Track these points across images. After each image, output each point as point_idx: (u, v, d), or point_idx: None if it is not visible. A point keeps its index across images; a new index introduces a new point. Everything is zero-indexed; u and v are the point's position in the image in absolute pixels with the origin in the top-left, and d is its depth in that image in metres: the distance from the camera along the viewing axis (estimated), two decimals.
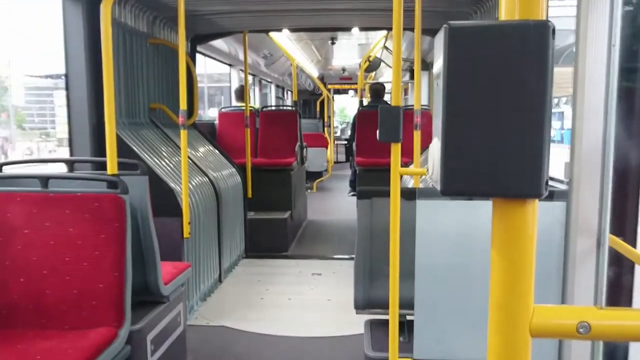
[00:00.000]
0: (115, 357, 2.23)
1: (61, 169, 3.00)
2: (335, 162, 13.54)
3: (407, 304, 2.07)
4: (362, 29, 6.03)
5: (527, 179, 0.65)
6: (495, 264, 0.70)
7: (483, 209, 2.02)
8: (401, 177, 2.11)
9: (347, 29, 6.01)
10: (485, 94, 0.65)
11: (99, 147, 3.61)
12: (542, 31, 0.64)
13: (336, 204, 8.90)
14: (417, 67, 2.96)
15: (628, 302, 1.96)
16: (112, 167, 2.56)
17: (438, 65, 0.70)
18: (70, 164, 2.88)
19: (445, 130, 0.67)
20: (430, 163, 0.73)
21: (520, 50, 0.64)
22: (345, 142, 14.97)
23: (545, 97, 0.64)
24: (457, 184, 0.68)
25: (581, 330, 0.68)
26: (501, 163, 0.66)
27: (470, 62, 0.65)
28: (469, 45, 0.65)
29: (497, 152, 0.65)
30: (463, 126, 0.66)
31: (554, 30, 0.64)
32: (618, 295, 1.98)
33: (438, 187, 0.69)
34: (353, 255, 5.51)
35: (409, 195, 2.28)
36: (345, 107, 25.78)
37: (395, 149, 2.04)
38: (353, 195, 8.83)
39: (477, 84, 0.65)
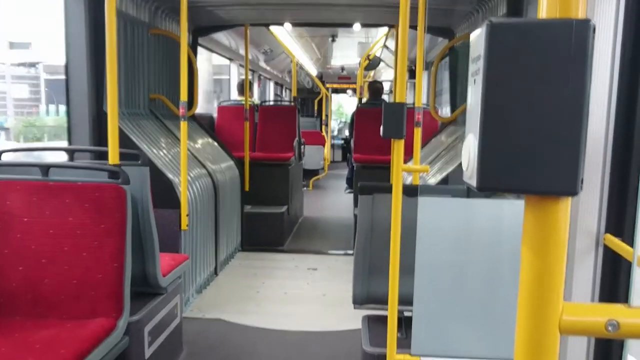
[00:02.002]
0: (114, 348, 2.23)
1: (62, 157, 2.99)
2: (331, 161, 13.54)
3: (405, 300, 2.08)
4: (364, 25, 6.03)
5: (562, 177, 0.66)
6: (526, 261, 0.70)
7: (484, 207, 2.03)
8: None
9: (349, 25, 6.01)
10: (524, 91, 0.65)
11: (98, 137, 3.60)
12: (583, 29, 0.64)
13: (332, 202, 8.91)
14: (419, 63, 2.96)
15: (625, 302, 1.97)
16: (113, 157, 2.55)
17: (476, 61, 0.70)
18: (71, 153, 2.87)
19: (484, 126, 0.67)
20: (464, 159, 0.73)
21: (561, 48, 0.64)
22: (342, 143, 14.98)
23: (583, 96, 0.64)
24: (493, 180, 0.68)
25: (610, 328, 0.69)
26: (537, 160, 0.66)
27: (510, 59, 0.66)
28: (509, 42, 0.66)
29: (533, 149, 0.66)
30: (501, 123, 0.67)
31: (594, 28, 0.64)
32: (615, 295, 1.99)
33: (473, 183, 0.69)
34: (348, 251, 5.52)
35: (410, 192, 2.28)
36: (342, 105, 25.69)
37: (398, 146, 2.04)
38: (350, 192, 8.84)
39: (516, 80, 0.66)
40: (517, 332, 0.71)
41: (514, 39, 0.65)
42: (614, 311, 0.70)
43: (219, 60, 9.01)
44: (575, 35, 0.64)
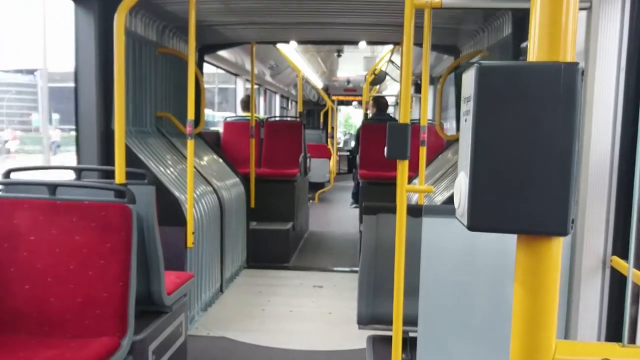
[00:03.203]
0: None
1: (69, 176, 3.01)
2: (337, 173, 13.55)
3: (410, 320, 2.07)
4: (370, 43, 6.06)
5: (552, 218, 0.66)
6: (519, 299, 0.70)
7: None
8: None
9: (355, 43, 6.04)
10: (514, 132, 0.66)
11: (106, 155, 3.62)
12: (571, 73, 0.65)
13: (338, 216, 8.90)
14: (424, 83, 2.97)
15: (633, 325, 1.96)
16: (120, 176, 2.57)
17: (467, 101, 0.71)
18: (78, 171, 2.89)
19: (474, 166, 0.68)
20: (456, 197, 0.73)
21: (550, 91, 0.65)
22: (348, 154, 14.98)
23: (572, 137, 0.65)
24: (484, 219, 0.69)
25: None
26: (528, 201, 0.66)
27: (499, 101, 0.66)
28: (498, 84, 0.66)
29: (523, 190, 0.66)
30: (491, 163, 0.67)
31: (582, 71, 0.65)
32: (622, 317, 1.97)
33: (464, 221, 0.70)
34: (354, 268, 5.50)
35: (415, 212, 2.28)
36: (350, 116, 25.71)
37: (402, 166, 2.04)
38: (355, 207, 8.83)
39: (506, 121, 0.66)
40: None
41: (504, 81, 0.66)
42: (607, 350, 0.70)
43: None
44: (564, 78, 0.65)
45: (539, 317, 0.69)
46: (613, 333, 1.90)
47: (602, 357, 0.69)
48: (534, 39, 0.68)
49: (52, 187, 2.40)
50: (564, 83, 0.65)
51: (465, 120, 0.71)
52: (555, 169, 0.65)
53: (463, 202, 0.70)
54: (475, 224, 0.69)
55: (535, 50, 0.67)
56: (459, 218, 0.73)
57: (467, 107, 0.71)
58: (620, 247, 1.91)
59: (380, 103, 7.56)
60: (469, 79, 0.70)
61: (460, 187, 0.71)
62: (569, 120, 0.65)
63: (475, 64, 0.68)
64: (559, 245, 0.69)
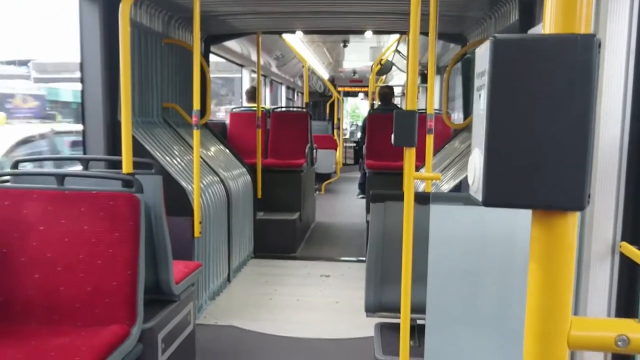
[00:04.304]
0: (128, 355, 2.25)
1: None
2: (343, 164, 13.54)
3: (418, 308, 2.07)
4: (375, 32, 6.03)
5: (568, 192, 0.65)
6: (534, 275, 0.70)
7: (497, 215, 2.02)
8: None
9: (360, 32, 6.01)
10: (529, 106, 0.65)
11: (113, 145, 3.64)
12: (587, 45, 0.64)
13: (344, 206, 8.91)
14: (431, 71, 2.95)
15: None
16: (127, 166, 2.58)
17: (481, 76, 0.71)
18: (86, 162, 2.90)
19: (489, 141, 0.67)
20: (470, 174, 0.73)
21: (565, 64, 0.64)
22: (354, 145, 14.96)
23: (588, 111, 0.64)
24: (499, 195, 0.68)
25: (620, 343, 0.68)
26: (543, 175, 0.66)
27: (514, 75, 0.66)
28: (513, 58, 0.66)
29: (539, 164, 0.66)
30: (506, 138, 0.67)
31: (599, 44, 0.64)
32: (632, 303, 1.97)
33: (479, 197, 0.69)
34: (361, 258, 5.52)
35: (422, 199, 2.28)
36: (358, 107, 25.62)
37: (410, 154, 2.04)
38: (362, 197, 8.83)
39: (521, 96, 0.66)
40: (525, 346, 0.71)
41: (519, 54, 0.65)
42: (623, 326, 0.70)
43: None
44: (580, 51, 0.64)
45: (554, 293, 0.68)
46: (623, 317, 1.90)
47: (619, 333, 0.69)
48: (549, 12, 0.67)
49: (61, 177, 2.42)
50: (580, 55, 0.64)
51: (480, 96, 0.71)
52: (572, 143, 0.65)
53: (478, 178, 0.69)
54: (490, 199, 0.68)
55: (550, 24, 0.66)
56: (474, 194, 0.72)
57: (481, 81, 0.70)
58: (629, 232, 1.90)
59: (385, 93, 7.54)
60: (482, 53, 0.69)
61: (475, 163, 0.71)
62: (586, 93, 0.64)
63: (490, 38, 0.67)
64: (574, 221, 0.68)
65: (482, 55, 0.69)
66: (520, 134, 0.66)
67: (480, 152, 0.69)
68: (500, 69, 0.66)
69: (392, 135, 2.04)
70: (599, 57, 0.64)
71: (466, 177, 3.70)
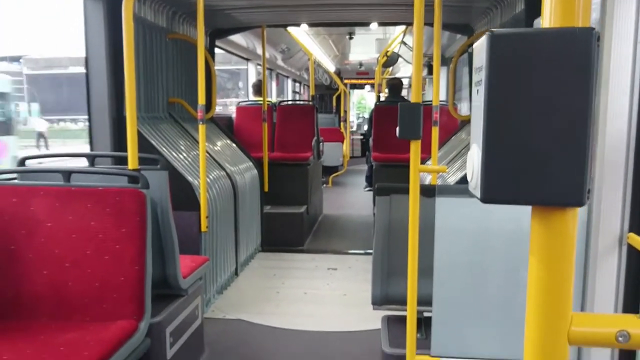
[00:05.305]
0: (136, 349, 2.27)
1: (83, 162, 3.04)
2: (350, 157, 13.52)
3: (424, 300, 2.07)
4: (381, 23, 6.00)
5: (568, 188, 0.65)
6: (534, 271, 0.69)
7: (503, 207, 2.01)
8: None
9: (366, 24, 5.98)
10: (527, 101, 0.65)
11: (119, 141, 3.65)
12: (586, 38, 0.63)
13: (352, 199, 8.90)
14: (436, 62, 2.93)
15: None
16: (133, 162, 2.59)
17: (479, 71, 0.70)
18: (92, 158, 2.92)
19: (487, 137, 0.66)
20: (469, 170, 0.72)
21: (564, 58, 0.63)
22: (361, 137, 14.94)
23: (587, 106, 0.63)
24: (498, 191, 0.67)
25: (620, 339, 0.68)
26: (542, 171, 0.65)
27: (512, 70, 0.65)
28: (511, 52, 0.65)
29: (538, 160, 0.65)
30: (504, 134, 0.66)
31: (598, 37, 0.63)
32: (639, 293, 1.95)
33: (477, 194, 0.69)
34: (368, 250, 5.52)
35: (428, 192, 2.27)
36: (364, 97, 25.54)
37: (415, 146, 2.03)
38: (369, 190, 8.82)
39: (519, 91, 0.65)
40: (525, 342, 0.71)
41: (516, 49, 0.65)
42: (624, 322, 0.69)
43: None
44: (579, 44, 0.63)
45: (554, 289, 0.68)
46: (630, 310, 1.89)
47: (619, 329, 0.68)
48: (547, 6, 0.66)
49: (67, 173, 2.43)
50: (578, 49, 0.63)
51: (477, 92, 0.70)
52: (571, 138, 0.64)
53: (476, 174, 0.69)
54: (489, 196, 0.68)
55: (549, 17, 0.65)
56: (472, 191, 0.71)
57: (479, 76, 0.69)
58: (637, 223, 1.88)
59: (393, 85, 7.50)
60: (480, 48, 0.68)
61: (473, 159, 0.70)
62: (584, 86, 0.63)
63: (487, 32, 0.66)
64: (575, 216, 0.68)
65: (480, 51, 0.69)
66: (519, 129, 0.65)
67: (479, 148, 0.68)
68: (497, 64, 0.65)
69: (397, 128, 2.03)
70: (598, 51, 0.63)
71: None
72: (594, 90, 0.64)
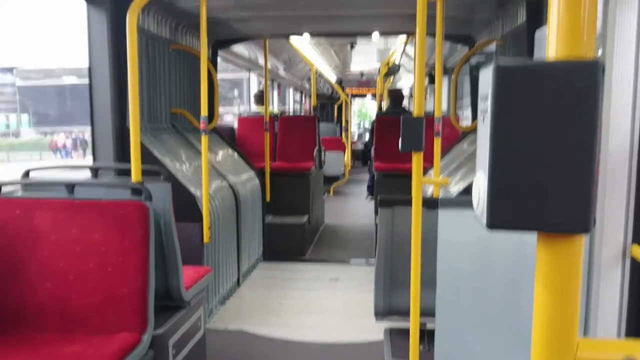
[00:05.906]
0: None
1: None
2: (352, 167, 13.53)
3: (427, 312, 2.06)
4: (382, 33, 6.03)
5: (574, 215, 0.65)
6: (540, 298, 0.69)
7: None
8: None
9: (367, 34, 6.01)
10: (533, 132, 0.65)
11: (122, 152, 3.66)
12: (591, 70, 0.64)
13: (353, 209, 8.90)
14: (438, 74, 2.94)
15: None
16: (136, 174, 2.59)
17: (484, 100, 0.71)
18: (95, 170, 2.93)
19: (492, 165, 0.67)
20: (475, 196, 0.73)
21: (569, 89, 0.64)
22: (362, 148, 14.96)
23: (593, 136, 0.64)
24: (504, 218, 0.68)
25: None
26: (548, 198, 0.65)
27: (518, 101, 0.66)
28: (517, 84, 0.65)
29: (543, 188, 0.65)
30: (510, 162, 0.67)
31: (603, 69, 0.64)
32: None
33: (483, 220, 0.69)
34: (370, 260, 5.48)
35: (430, 204, 2.27)
36: (365, 105, 25.55)
37: (417, 158, 2.03)
38: (371, 199, 8.82)
39: (525, 121, 0.65)
40: None
41: (522, 81, 0.65)
42: (631, 347, 0.69)
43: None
44: (584, 78, 0.64)
45: (560, 316, 0.68)
46: (634, 325, 1.88)
47: (626, 355, 0.68)
48: (552, 37, 0.66)
49: (70, 186, 2.44)
50: (584, 82, 0.63)
51: (483, 120, 0.71)
52: (576, 168, 0.64)
53: (482, 201, 0.69)
54: (495, 222, 0.68)
55: (554, 47, 0.66)
56: (478, 217, 0.72)
57: (485, 105, 0.70)
58: None
59: (395, 96, 7.52)
60: (486, 78, 0.69)
61: (479, 186, 0.71)
62: (590, 119, 0.64)
63: (494, 65, 0.67)
64: (580, 243, 0.68)
65: (485, 80, 0.69)
66: (524, 158, 0.66)
67: (485, 175, 0.69)
68: (503, 95, 0.66)
69: (400, 141, 2.04)
70: (603, 82, 0.64)
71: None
72: (599, 121, 0.64)
